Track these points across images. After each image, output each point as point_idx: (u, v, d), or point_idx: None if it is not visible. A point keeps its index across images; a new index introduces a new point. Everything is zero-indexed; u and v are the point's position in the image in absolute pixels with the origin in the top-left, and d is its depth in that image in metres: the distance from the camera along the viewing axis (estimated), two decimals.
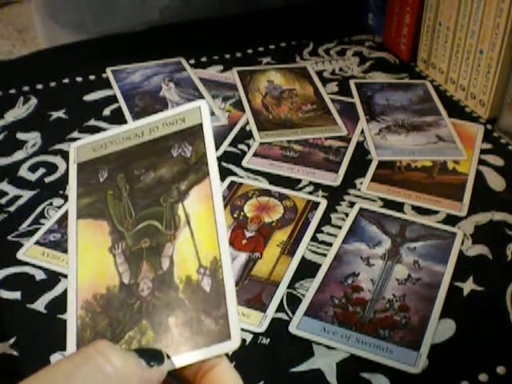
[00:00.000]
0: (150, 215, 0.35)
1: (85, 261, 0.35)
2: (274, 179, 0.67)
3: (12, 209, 0.63)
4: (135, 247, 0.34)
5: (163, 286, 0.33)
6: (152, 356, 0.29)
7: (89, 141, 0.39)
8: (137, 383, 0.27)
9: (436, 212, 0.63)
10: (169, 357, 0.30)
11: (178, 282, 0.32)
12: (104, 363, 0.27)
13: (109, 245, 0.35)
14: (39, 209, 0.62)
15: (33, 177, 0.67)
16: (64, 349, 0.48)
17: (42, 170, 0.68)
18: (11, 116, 0.77)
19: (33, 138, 0.73)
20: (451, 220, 0.62)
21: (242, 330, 0.51)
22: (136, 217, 0.35)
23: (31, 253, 0.57)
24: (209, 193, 0.34)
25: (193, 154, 0.36)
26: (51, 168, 0.68)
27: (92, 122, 0.76)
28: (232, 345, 0.30)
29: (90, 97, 0.81)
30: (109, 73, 0.85)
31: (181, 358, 0.30)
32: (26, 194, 0.64)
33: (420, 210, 0.63)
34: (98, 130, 0.74)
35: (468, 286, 0.55)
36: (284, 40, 0.94)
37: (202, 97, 0.80)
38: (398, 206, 0.63)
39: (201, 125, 0.36)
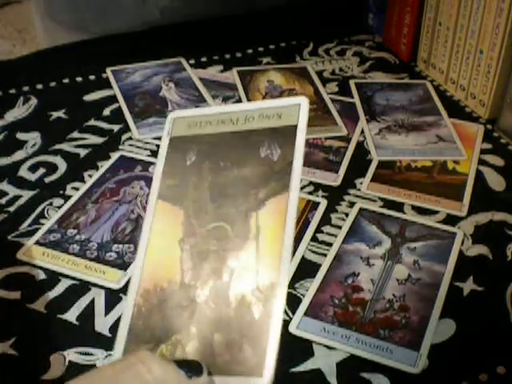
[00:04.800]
0: (224, 216, 0.34)
1: (154, 246, 0.35)
2: None
3: (12, 209, 0.63)
4: (203, 247, 0.34)
5: (218, 298, 0.33)
6: (192, 368, 0.30)
7: (186, 114, 0.38)
8: None
9: (436, 212, 0.63)
10: (209, 373, 0.30)
11: (232, 298, 0.32)
12: (144, 371, 0.28)
13: (179, 237, 0.34)
14: (39, 209, 0.62)
15: (33, 177, 0.67)
16: (64, 349, 0.49)
17: (41, 170, 0.68)
18: (11, 116, 0.77)
19: (33, 138, 0.73)
20: (451, 220, 0.62)
21: None
22: (211, 214, 0.35)
23: (31, 253, 0.57)
24: (284, 209, 0.33)
25: (279, 159, 0.35)
26: (51, 168, 0.68)
27: (92, 122, 0.76)
28: (262, 383, 0.30)
29: (89, 97, 0.81)
30: (109, 73, 0.85)
31: (214, 379, 0.30)
32: (26, 194, 0.64)
33: (420, 210, 0.63)
34: (98, 130, 0.74)
35: (468, 286, 0.55)
36: (284, 40, 0.94)
37: (202, 97, 0.80)
38: (398, 206, 0.63)
39: (295, 127, 0.35)
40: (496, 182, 0.67)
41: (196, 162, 0.36)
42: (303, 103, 0.35)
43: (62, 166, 0.69)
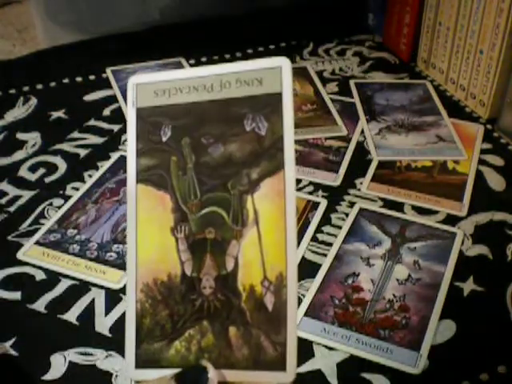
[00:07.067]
0: (217, 201, 0.31)
1: (145, 237, 0.32)
2: None
3: (12, 209, 0.63)
4: (199, 236, 0.32)
5: (226, 289, 0.31)
6: (196, 374, 0.29)
7: (150, 79, 0.33)
8: None
9: (436, 212, 0.63)
10: (229, 366, 0.29)
11: (241, 289, 0.30)
12: None
13: (171, 224, 0.32)
14: (39, 209, 0.62)
15: (33, 177, 0.67)
16: (64, 349, 0.49)
17: (42, 170, 0.68)
18: (11, 116, 0.77)
19: (33, 138, 0.73)
20: (451, 220, 0.62)
21: None
22: (201, 199, 0.32)
23: (31, 253, 0.57)
24: (282, 190, 0.30)
25: (268, 134, 0.31)
26: (51, 168, 0.68)
27: (92, 122, 0.76)
28: (286, 378, 0.29)
29: (89, 97, 0.81)
30: (109, 73, 0.85)
31: (234, 374, 0.29)
32: (26, 194, 0.64)
33: (420, 210, 0.63)
34: (98, 130, 0.74)
35: (468, 286, 0.55)
36: (284, 40, 0.94)
37: None
38: (398, 206, 0.63)
39: (280, 95, 0.31)
40: (496, 182, 0.67)
41: (173, 139, 0.32)
42: (285, 65, 0.31)
43: (62, 166, 0.69)
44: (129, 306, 0.32)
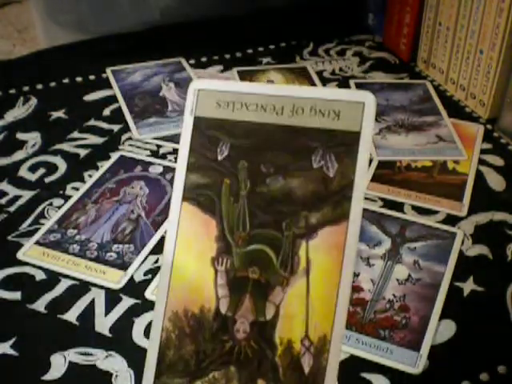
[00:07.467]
0: (267, 239, 0.29)
1: (182, 261, 0.29)
2: None
3: (12, 209, 0.63)
4: (241, 273, 0.29)
5: (261, 338, 0.28)
6: None
7: (214, 87, 0.30)
8: None
9: (436, 212, 0.63)
10: None
11: (277, 341, 0.28)
12: None
13: (212, 254, 0.29)
14: (39, 209, 0.62)
15: (33, 177, 0.67)
16: (64, 349, 0.49)
17: (42, 170, 0.68)
18: (11, 116, 0.77)
19: (33, 138, 0.73)
20: (451, 220, 0.62)
21: None
22: (250, 232, 0.29)
23: (31, 253, 0.57)
24: (341, 243, 0.27)
25: (337, 177, 0.28)
26: (51, 168, 0.68)
27: (92, 122, 0.76)
28: None
29: (89, 97, 0.81)
30: (109, 73, 0.85)
31: None
32: (26, 194, 0.64)
33: (420, 210, 0.63)
34: (98, 130, 0.74)
35: (468, 286, 0.55)
36: (284, 40, 0.94)
37: None
38: (398, 206, 0.63)
39: (358, 135, 0.27)
40: (496, 182, 0.67)
41: (229, 159, 0.29)
42: (369, 102, 0.28)
43: (62, 166, 0.69)
44: (153, 333, 0.29)
